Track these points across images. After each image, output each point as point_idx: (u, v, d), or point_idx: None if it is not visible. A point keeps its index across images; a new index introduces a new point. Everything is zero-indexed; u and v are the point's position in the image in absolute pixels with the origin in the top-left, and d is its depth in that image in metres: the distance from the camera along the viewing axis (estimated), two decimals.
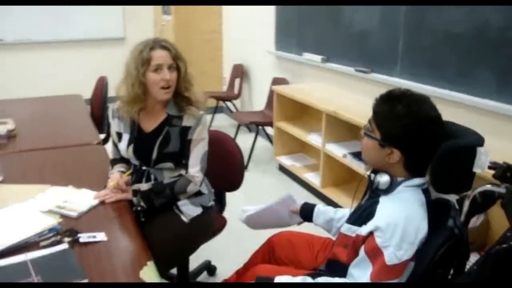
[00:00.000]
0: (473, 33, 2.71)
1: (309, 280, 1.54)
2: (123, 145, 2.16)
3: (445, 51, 2.92)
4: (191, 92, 2.10)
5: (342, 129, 3.64)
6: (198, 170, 2.09)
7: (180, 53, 2.08)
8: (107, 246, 1.63)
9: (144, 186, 2.07)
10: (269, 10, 5.00)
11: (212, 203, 2.25)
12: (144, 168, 2.16)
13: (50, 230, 1.67)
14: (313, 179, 3.99)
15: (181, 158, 2.11)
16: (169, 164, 2.11)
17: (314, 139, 3.95)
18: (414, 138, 1.49)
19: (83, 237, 1.64)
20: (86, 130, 3.09)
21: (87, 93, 4.22)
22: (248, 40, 5.81)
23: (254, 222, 2.06)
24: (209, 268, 2.84)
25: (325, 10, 4.09)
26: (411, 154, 1.52)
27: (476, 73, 2.73)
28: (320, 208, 1.99)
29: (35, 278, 1.39)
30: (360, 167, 3.26)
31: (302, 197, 2.11)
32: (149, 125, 2.13)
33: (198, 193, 2.17)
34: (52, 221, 1.72)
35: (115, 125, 2.21)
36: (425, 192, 1.56)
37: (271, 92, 4.71)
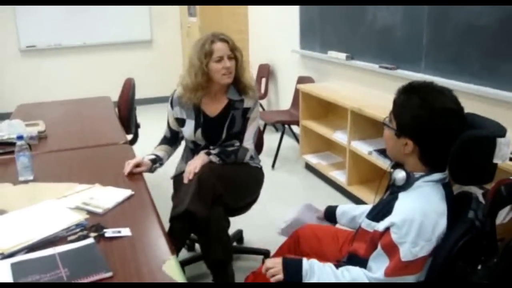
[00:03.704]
0: (497, 25, 2.67)
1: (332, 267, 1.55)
2: (188, 129, 2.48)
3: (469, 45, 2.88)
4: (245, 77, 2.46)
5: (368, 126, 3.62)
6: (251, 143, 2.52)
7: (235, 44, 2.41)
8: (132, 241, 1.66)
9: (213, 151, 2.41)
10: (293, 10, 5.01)
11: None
12: (211, 147, 2.48)
13: (77, 225, 1.73)
14: (339, 177, 3.98)
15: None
16: (236, 142, 2.49)
17: (340, 137, 3.93)
18: (425, 128, 1.48)
19: (108, 232, 1.69)
20: (113, 130, 3.15)
21: (116, 95, 4.28)
22: (274, 40, 5.83)
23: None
24: (240, 236, 3.14)
25: (348, 7, 4.08)
26: (424, 145, 1.51)
27: (501, 66, 2.68)
28: (342, 208, 2.03)
29: (62, 270, 1.44)
30: (385, 164, 3.24)
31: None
32: (212, 109, 2.46)
33: (254, 157, 2.61)
34: (79, 217, 1.78)
35: (176, 112, 2.52)
36: (446, 187, 1.54)
37: (297, 91, 4.71)
